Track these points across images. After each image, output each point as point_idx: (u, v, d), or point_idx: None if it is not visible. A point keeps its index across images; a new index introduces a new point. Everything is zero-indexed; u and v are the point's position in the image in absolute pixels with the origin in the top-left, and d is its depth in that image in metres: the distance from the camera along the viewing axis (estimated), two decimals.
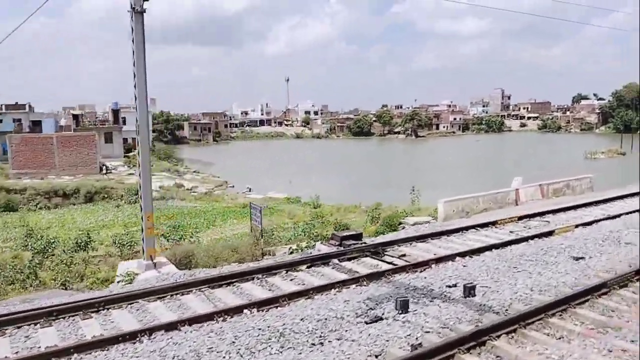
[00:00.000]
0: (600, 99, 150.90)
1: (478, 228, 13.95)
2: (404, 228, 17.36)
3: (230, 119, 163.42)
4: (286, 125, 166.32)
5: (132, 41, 11.09)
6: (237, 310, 8.04)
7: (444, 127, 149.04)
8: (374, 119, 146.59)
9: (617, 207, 17.13)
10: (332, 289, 9.08)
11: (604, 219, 14.47)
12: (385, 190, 43.65)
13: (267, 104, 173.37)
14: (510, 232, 13.49)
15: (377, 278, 9.66)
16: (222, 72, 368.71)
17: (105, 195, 39.69)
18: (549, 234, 12.80)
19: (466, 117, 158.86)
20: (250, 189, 45.76)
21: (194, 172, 56.47)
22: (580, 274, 9.37)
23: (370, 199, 32.80)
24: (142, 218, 11.44)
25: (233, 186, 49.47)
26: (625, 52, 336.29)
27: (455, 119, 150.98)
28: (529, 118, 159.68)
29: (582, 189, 25.01)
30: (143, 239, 11.44)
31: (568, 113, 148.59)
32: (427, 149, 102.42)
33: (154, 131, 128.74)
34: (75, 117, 61.94)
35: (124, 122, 76.65)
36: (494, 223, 14.34)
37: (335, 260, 11.00)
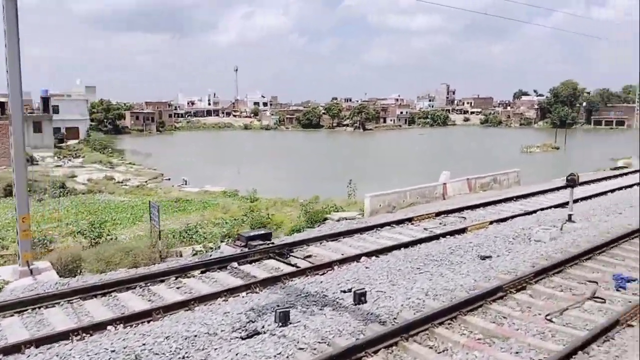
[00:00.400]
0: (540, 95, 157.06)
1: (394, 225, 13.54)
2: (322, 224, 16.72)
3: (176, 109, 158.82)
4: (235, 116, 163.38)
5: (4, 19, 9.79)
6: (100, 327, 7.12)
7: (391, 120, 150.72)
8: (323, 111, 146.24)
9: (536, 203, 17.24)
10: (219, 298, 8.31)
11: (520, 215, 14.42)
12: (327, 183, 43.18)
13: (214, 94, 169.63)
14: (425, 229, 13.15)
15: (272, 283, 8.98)
16: (171, 61, 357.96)
17: (28, 189, 37.09)
18: (462, 231, 12.53)
19: (413, 111, 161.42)
20: (186, 182, 44.08)
21: (129, 163, 54.01)
22: (482, 276, 9.03)
23: (311, 192, 32.21)
24: (16, 220, 10.21)
25: (169, 179, 47.59)
26: (566, 51, 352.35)
27: (402, 112, 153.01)
28: (472, 113, 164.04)
29: (510, 182, 25.35)
30: (18, 242, 10.22)
31: (509, 108, 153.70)
32: (372, 142, 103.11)
33: (92, 120, 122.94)
34: (1, 104, 57.74)
35: (57, 111, 72.86)
36: (410, 220, 13.99)
37: (235, 264, 10.22)
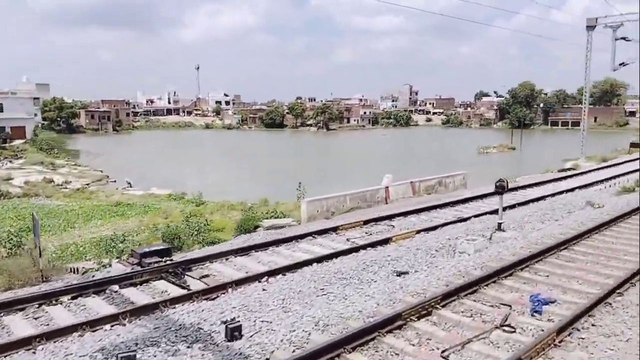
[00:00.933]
0: (500, 96, 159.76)
1: (315, 235, 12.45)
2: (252, 233, 15.52)
3: (135, 107, 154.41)
4: (196, 115, 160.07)
5: None
6: None
7: (354, 120, 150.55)
8: (286, 111, 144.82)
9: (473, 208, 16.51)
10: (74, 333, 7.01)
11: (452, 222, 13.59)
12: (285, 184, 42.18)
13: (175, 93, 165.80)
14: (347, 239, 12.13)
15: (147, 312, 7.73)
16: (131, 58, 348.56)
17: None
18: (386, 242, 11.57)
19: (376, 112, 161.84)
20: (130, 184, 42.09)
21: (74, 165, 51.43)
22: (387, 298, 8.01)
23: (267, 194, 31.00)
24: None
25: (114, 181, 45.46)
26: (526, 53, 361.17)
27: (365, 112, 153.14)
28: (434, 113, 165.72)
29: (455, 185, 24.74)
30: None
31: (469, 109, 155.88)
32: (335, 142, 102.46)
33: (44, 119, 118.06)
34: None
35: (0, 109, 69.16)
36: (335, 229, 12.93)
37: (115, 287, 8.92)
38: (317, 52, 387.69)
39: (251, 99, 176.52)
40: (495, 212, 15.33)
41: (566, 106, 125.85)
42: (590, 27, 29.94)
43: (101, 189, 41.03)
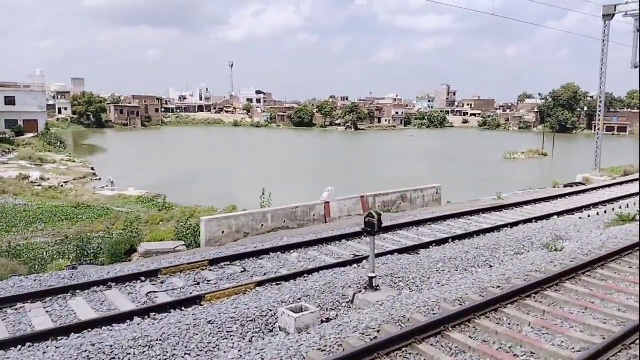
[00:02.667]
0: (544, 98, 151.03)
1: (112, 284, 8.85)
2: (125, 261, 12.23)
3: (167, 103, 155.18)
4: (227, 112, 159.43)
5: None
6: None
7: (386, 120, 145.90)
8: (315, 109, 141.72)
9: (403, 237, 12.60)
10: None
11: (326, 268, 9.65)
12: (282, 186, 39.46)
13: (207, 89, 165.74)
14: (150, 293, 8.53)
15: None
16: (176, 57, 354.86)
17: None
18: (195, 301, 7.93)
19: (410, 112, 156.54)
20: (112, 182, 39.83)
21: (68, 160, 49.84)
22: None
23: (244, 198, 27.99)
24: None
25: (99, 179, 43.41)
26: (576, 55, 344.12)
27: (397, 112, 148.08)
28: (472, 115, 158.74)
29: (425, 201, 20.67)
30: None
31: (508, 111, 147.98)
32: (358, 142, 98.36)
33: (74, 113, 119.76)
34: None
35: (13, 102, 69.07)
36: (156, 272, 9.35)
37: None
38: (358, 52, 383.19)
39: (290, 97, 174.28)
40: (442, 242, 11.55)
41: (613, 110, 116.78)
42: (608, 16, 24.97)
43: (77, 187, 38.92)
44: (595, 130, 27.10)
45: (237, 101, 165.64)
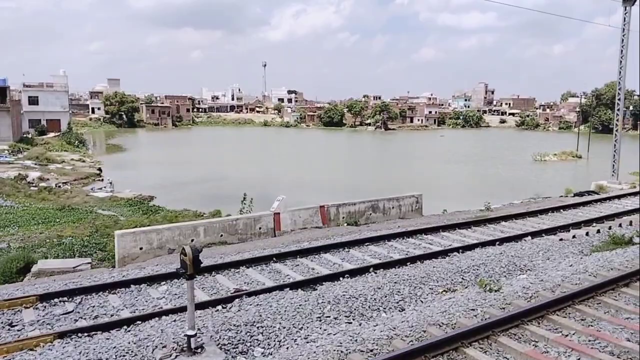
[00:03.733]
0: (586, 97, 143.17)
1: None
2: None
3: (199, 103, 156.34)
4: (257, 112, 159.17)
5: None
6: None
7: (418, 120, 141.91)
8: (345, 109, 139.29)
9: (322, 262, 10.34)
10: None
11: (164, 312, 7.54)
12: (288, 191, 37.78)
13: (239, 89, 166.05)
14: None
15: None
16: (218, 57, 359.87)
17: None
18: None
19: (445, 111, 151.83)
20: (111, 183, 38.94)
21: (77, 160, 49.54)
22: None
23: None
24: None
25: (102, 179, 42.69)
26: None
27: (430, 112, 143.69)
28: (510, 114, 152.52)
29: (402, 211, 18.28)
30: None
31: (548, 110, 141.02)
32: (384, 142, 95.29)
33: (106, 113, 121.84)
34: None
35: (37, 102, 70.08)
36: None
37: None
38: (398, 51, 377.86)
39: (327, 97, 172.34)
40: (359, 272, 9.28)
41: None
42: (629, 1, 21.61)
43: (75, 188, 38.19)
44: (615, 131, 23.49)
45: (269, 101, 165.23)
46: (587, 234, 12.57)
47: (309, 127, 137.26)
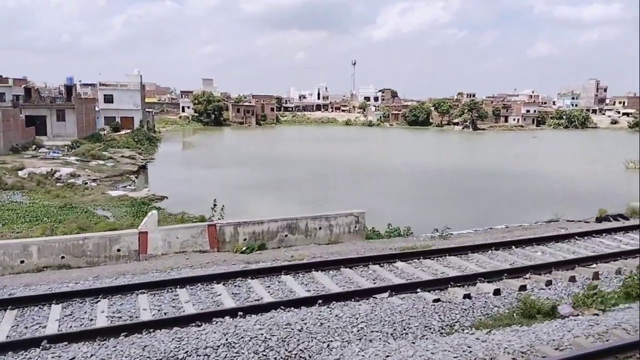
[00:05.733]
0: None
1: None
2: None
3: (286, 102, 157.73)
4: (343, 110, 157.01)
5: None
6: None
7: (514, 119, 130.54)
8: (431, 107, 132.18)
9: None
10: None
11: None
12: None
13: (326, 88, 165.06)
14: None
15: None
16: (322, 58, 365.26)
17: None
18: None
19: (545, 110, 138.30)
20: (134, 182, 38.63)
21: (126, 156, 50.45)
22: None
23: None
24: None
25: (134, 178, 42.66)
26: None
27: (528, 111, 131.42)
28: (624, 114, 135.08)
29: (334, 233, 14.46)
30: None
31: None
32: (468, 143, 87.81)
33: (195, 111, 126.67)
34: (27, 90, 58.86)
35: (111, 100, 73.63)
36: None
37: None
38: (509, 47, 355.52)
39: (425, 95, 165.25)
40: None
41: None
42: None
43: (102, 185, 38.24)
44: None
45: (356, 99, 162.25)
46: (496, 292, 8.07)
47: (392, 127, 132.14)
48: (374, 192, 35.71)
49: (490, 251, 10.85)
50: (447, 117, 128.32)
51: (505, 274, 8.93)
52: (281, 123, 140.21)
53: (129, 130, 71.12)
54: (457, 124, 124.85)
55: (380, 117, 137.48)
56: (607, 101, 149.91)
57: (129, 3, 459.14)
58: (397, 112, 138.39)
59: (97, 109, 71.16)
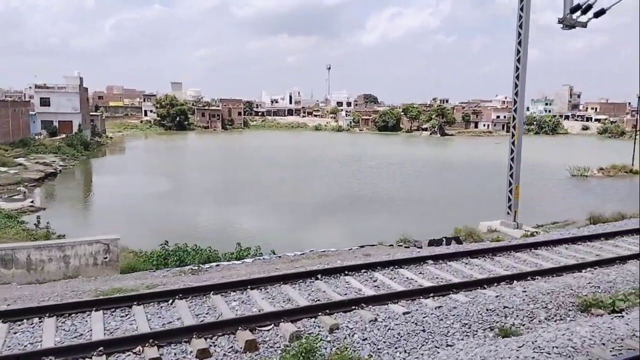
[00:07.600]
0: None
1: None
2: None
3: (257, 107, 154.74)
4: (315, 116, 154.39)
5: None
6: None
7: (484, 125, 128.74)
8: (401, 112, 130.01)
9: None
10: None
11: None
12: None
13: (298, 93, 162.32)
14: None
15: None
16: (312, 62, 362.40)
17: None
18: None
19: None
20: (25, 193, 35.32)
21: (46, 162, 47.19)
22: None
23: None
24: None
25: (23, 189, 39.39)
26: None
27: (498, 116, 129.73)
28: (596, 120, 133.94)
29: (73, 266, 11.53)
30: None
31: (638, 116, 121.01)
32: (430, 149, 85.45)
33: (158, 115, 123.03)
34: None
35: (48, 104, 70.16)
36: None
37: None
38: (498, 52, 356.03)
39: (409, 101, 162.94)
40: None
41: None
42: None
43: None
44: None
45: (329, 105, 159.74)
46: None
47: (362, 132, 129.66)
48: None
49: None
50: (416, 122, 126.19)
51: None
52: (249, 128, 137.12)
53: (66, 135, 67.76)
54: (425, 129, 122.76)
55: (351, 122, 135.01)
56: (581, 107, 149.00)
57: (122, 6, 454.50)
58: (367, 117, 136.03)
59: (33, 112, 67.72)
